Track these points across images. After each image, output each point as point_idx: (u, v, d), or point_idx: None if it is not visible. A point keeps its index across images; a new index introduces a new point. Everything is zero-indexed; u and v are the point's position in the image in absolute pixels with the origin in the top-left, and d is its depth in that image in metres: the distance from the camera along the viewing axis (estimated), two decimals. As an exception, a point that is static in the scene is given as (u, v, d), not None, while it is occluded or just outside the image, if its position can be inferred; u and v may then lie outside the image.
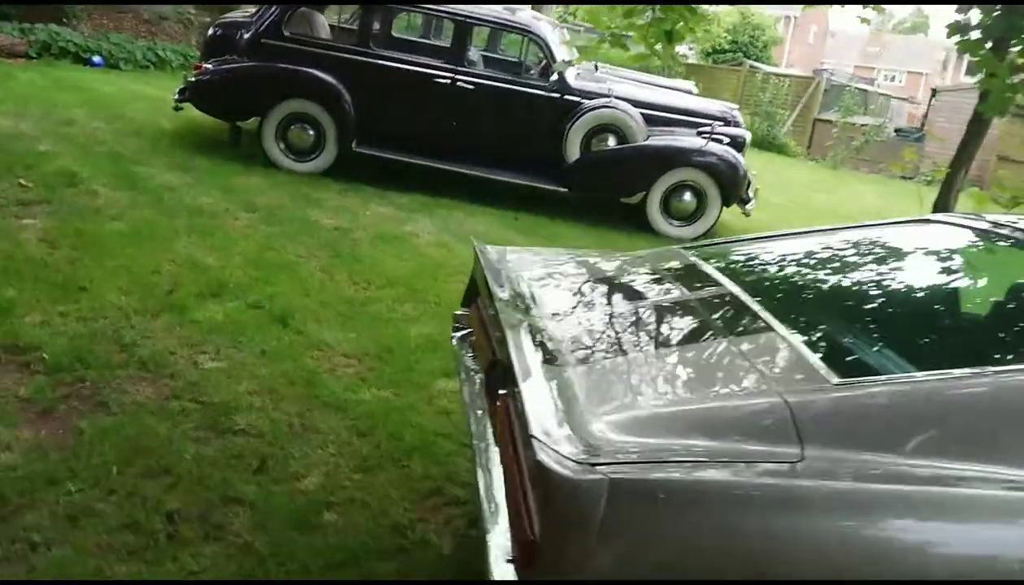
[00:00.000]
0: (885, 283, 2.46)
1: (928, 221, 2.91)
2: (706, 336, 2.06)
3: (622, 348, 2.11)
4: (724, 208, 8.35)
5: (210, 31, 8.70)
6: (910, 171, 18.70)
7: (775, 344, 1.96)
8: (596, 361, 2.03)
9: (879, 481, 1.59)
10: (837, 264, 2.68)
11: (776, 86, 19.37)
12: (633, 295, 2.44)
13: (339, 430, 3.44)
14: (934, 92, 19.75)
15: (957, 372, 1.77)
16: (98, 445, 3.05)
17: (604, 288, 2.63)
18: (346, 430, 3.45)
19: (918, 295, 2.41)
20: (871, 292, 2.40)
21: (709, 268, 2.46)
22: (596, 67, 8.96)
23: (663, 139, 8.29)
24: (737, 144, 8.49)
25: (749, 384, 1.82)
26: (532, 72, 8.61)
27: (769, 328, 2.03)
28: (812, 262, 2.69)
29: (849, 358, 1.92)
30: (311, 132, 7.90)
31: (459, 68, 8.06)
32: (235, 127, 8.08)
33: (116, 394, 3.44)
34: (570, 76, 8.20)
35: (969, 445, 1.66)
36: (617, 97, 8.20)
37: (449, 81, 7.96)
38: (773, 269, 2.71)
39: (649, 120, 8.27)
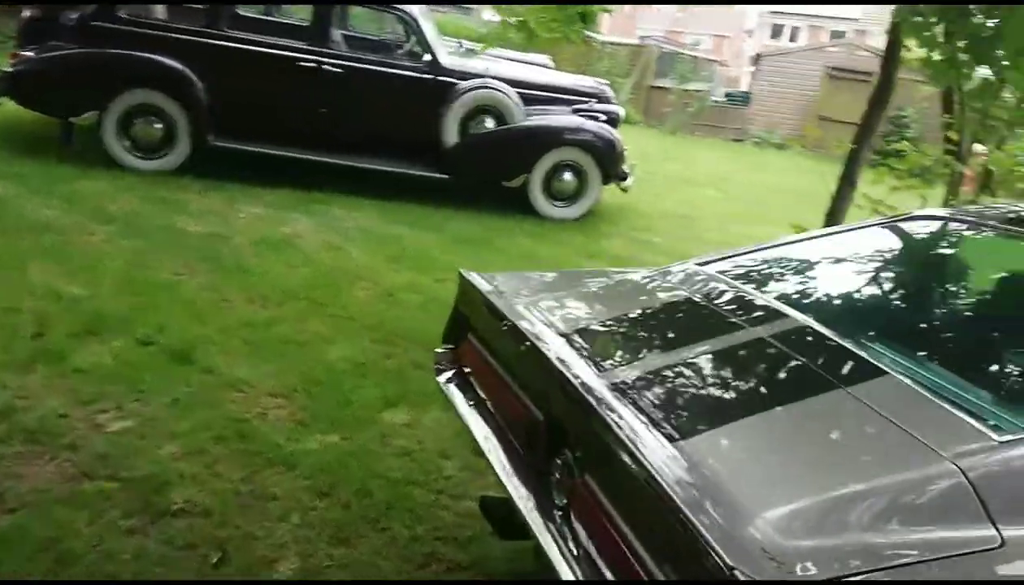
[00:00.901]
0: (961, 299, 2.31)
1: (927, 217, 2.80)
2: (812, 386, 1.81)
3: (726, 408, 1.82)
4: (604, 186, 8.26)
5: (26, 12, 7.51)
6: (740, 134, 19.67)
7: (897, 390, 1.74)
8: (710, 429, 1.73)
9: None
10: (891, 277, 2.52)
11: (612, 55, 19.66)
12: (691, 333, 2.15)
13: (297, 493, 2.95)
14: (758, 57, 20.76)
15: None
16: (5, 561, 2.42)
17: (652, 324, 2.33)
18: (305, 492, 2.97)
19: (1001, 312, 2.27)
20: (958, 312, 2.25)
21: (760, 296, 2.23)
22: (460, 45, 8.57)
23: (542, 119, 8.04)
24: (612, 120, 8.40)
25: (902, 449, 1.58)
26: (402, 53, 8.08)
27: (879, 370, 1.81)
28: (861, 277, 2.53)
29: (993, 404, 1.73)
30: (159, 125, 7.01)
31: (324, 50, 7.41)
32: (67, 123, 7.04)
33: (9, 482, 2.78)
34: (443, 56, 7.76)
35: None
36: (493, 77, 7.85)
37: (314, 65, 7.30)
38: (825, 287, 2.52)
39: (524, 99, 7.99)
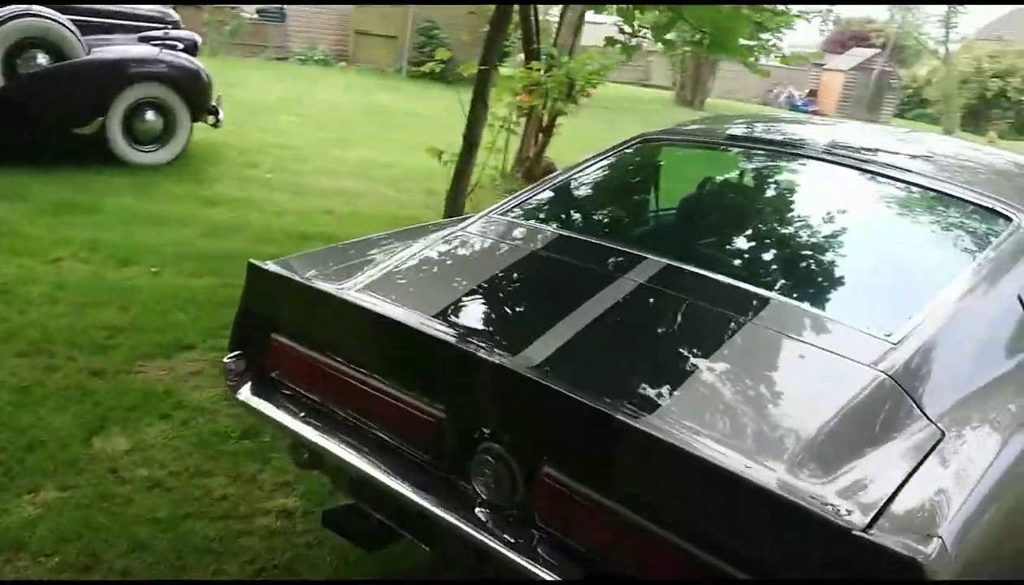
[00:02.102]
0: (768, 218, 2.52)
1: (655, 140, 3.02)
2: (725, 327, 1.87)
3: (670, 363, 1.80)
4: (194, 124, 7.42)
5: None
6: (282, 52, 19.05)
7: (793, 314, 1.90)
8: (673, 387, 1.70)
9: None
10: (705, 199, 2.64)
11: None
12: (572, 292, 2.04)
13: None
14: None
15: None
16: None
17: (520, 288, 2.16)
18: (57, 574, 2.29)
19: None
20: (779, 232, 2.45)
21: (597, 239, 2.22)
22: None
23: (110, 51, 6.86)
24: (189, 48, 7.51)
25: (835, 366, 1.75)
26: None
27: (764, 298, 1.95)
28: (665, 206, 2.62)
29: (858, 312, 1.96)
30: None
31: None
32: None
33: None
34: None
35: None
36: (37, 3, 6.43)
37: None
38: (653, 222, 2.56)
39: (79, 29, 6.71)
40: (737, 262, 2.18)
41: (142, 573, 2.35)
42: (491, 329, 1.93)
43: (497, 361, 1.71)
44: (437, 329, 1.85)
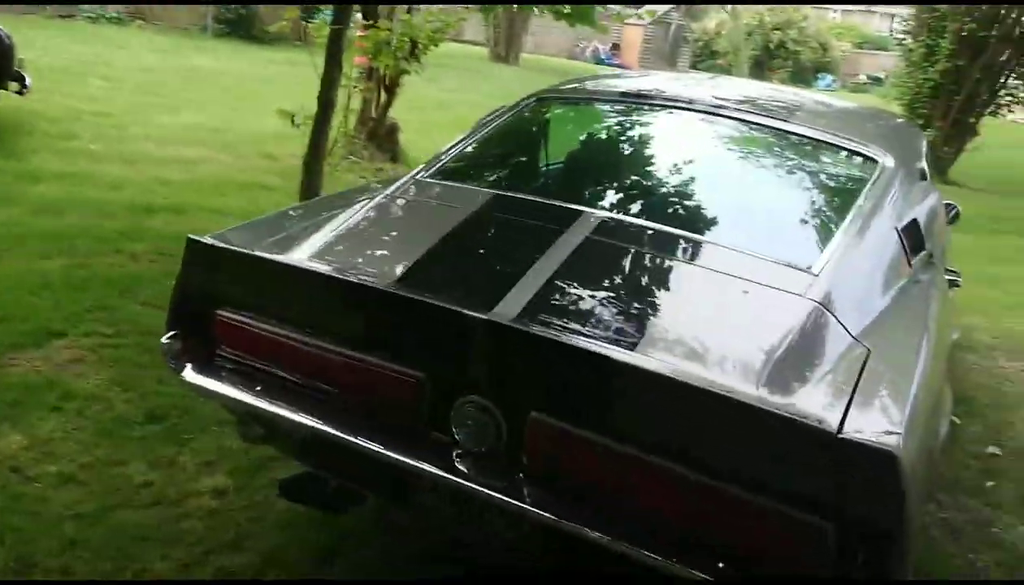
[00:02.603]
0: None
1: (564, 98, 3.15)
2: (668, 265, 2.04)
3: (637, 304, 1.95)
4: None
5: None
6: (69, 9, 17.41)
7: (728, 254, 2.11)
8: (646, 324, 1.85)
9: None
10: (629, 152, 2.76)
11: None
12: (525, 247, 2.12)
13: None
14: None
15: None
16: None
17: (476, 247, 2.23)
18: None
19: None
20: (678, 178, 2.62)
21: (529, 195, 2.32)
22: None
23: None
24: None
25: (772, 298, 1.98)
26: None
27: (697, 241, 2.15)
28: (587, 159, 2.73)
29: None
30: None
31: None
32: None
33: None
34: None
35: None
36: None
37: None
38: (581, 174, 2.64)
39: None
40: (667, 211, 2.36)
41: (84, 570, 2.24)
42: (461, 288, 1.99)
43: (485, 317, 1.78)
44: (412, 291, 1.89)
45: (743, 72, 27.73)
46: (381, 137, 7.89)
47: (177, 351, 2.18)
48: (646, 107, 2.89)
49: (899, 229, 2.41)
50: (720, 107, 2.80)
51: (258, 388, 2.10)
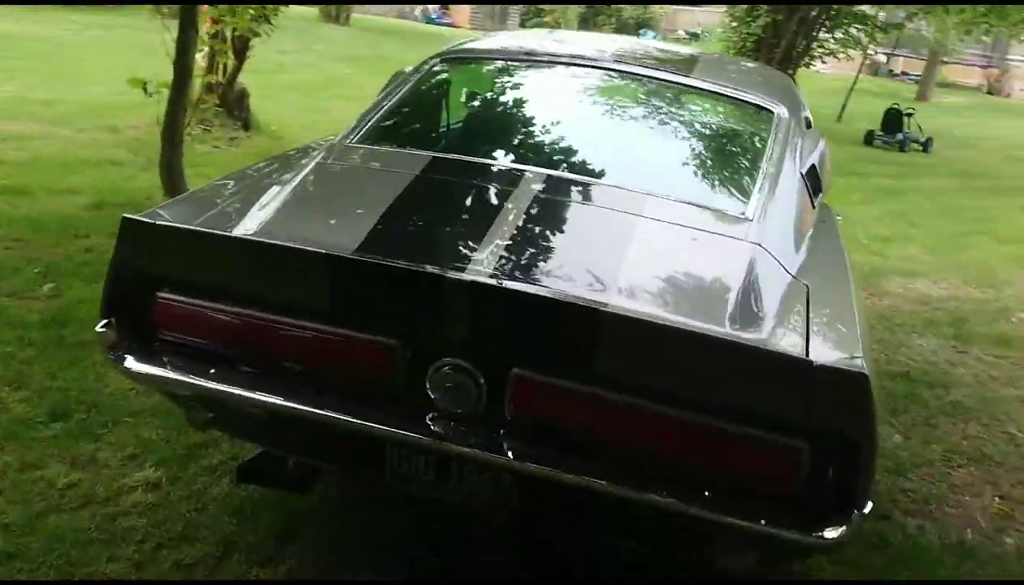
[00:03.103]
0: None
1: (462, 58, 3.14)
2: (623, 218, 2.13)
3: (600, 250, 2.04)
4: None
5: None
6: None
7: (668, 204, 2.23)
8: (613, 271, 1.94)
9: None
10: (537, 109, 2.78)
11: None
12: (479, 207, 2.13)
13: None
14: None
15: None
16: None
17: (430, 208, 2.22)
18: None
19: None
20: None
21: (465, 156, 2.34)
22: None
23: None
24: None
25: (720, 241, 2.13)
26: None
27: (639, 194, 2.25)
28: (489, 117, 2.77)
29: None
30: None
31: None
32: None
33: None
34: None
35: None
36: None
37: None
38: (497, 135, 2.63)
39: None
40: (605, 166, 2.44)
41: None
42: (425, 252, 1.98)
43: (466, 278, 1.80)
44: (379, 258, 1.87)
45: (571, 25, 28.30)
46: (231, 104, 7.51)
47: (114, 340, 2.05)
48: (556, 66, 2.95)
49: (803, 174, 2.62)
50: (625, 64, 2.91)
51: (211, 370, 2.01)
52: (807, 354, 1.76)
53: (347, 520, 2.53)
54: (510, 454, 1.85)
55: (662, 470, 1.79)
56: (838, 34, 13.31)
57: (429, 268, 1.84)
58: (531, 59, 3.00)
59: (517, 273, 1.91)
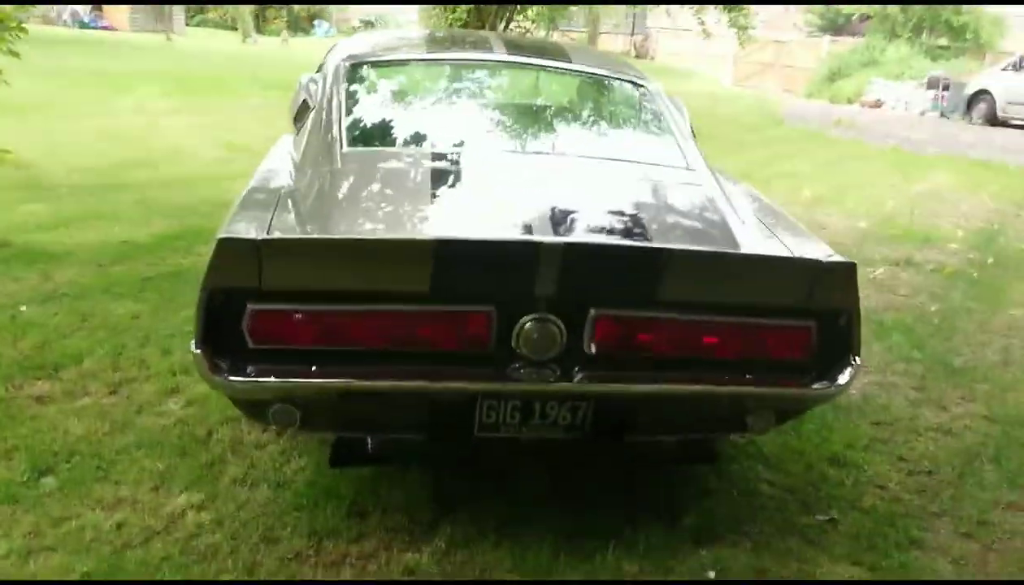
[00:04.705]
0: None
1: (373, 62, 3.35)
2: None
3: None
4: None
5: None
6: None
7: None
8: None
9: None
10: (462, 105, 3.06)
11: None
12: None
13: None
14: None
15: None
16: None
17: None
18: None
19: None
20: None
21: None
22: None
23: None
24: None
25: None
26: None
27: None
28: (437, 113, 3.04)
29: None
30: None
31: None
32: None
33: None
34: None
35: None
36: None
37: None
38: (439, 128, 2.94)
39: None
40: (578, 143, 2.89)
41: None
42: (497, 226, 2.30)
43: (556, 241, 2.17)
44: (476, 237, 2.16)
45: (249, 25, 27.39)
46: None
47: (214, 358, 2.13)
48: (472, 64, 3.33)
49: (693, 131, 3.28)
50: (522, 57, 3.36)
51: (313, 369, 2.18)
52: (800, 257, 2.39)
53: (400, 487, 2.71)
54: (594, 381, 2.27)
55: (714, 368, 2.33)
56: (530, 13, 14.59)
57: (516, 238, 2.19)
58: (448, 59, 3.34)
59: (577, 231, 2.32)
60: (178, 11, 28.84)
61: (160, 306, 4.06)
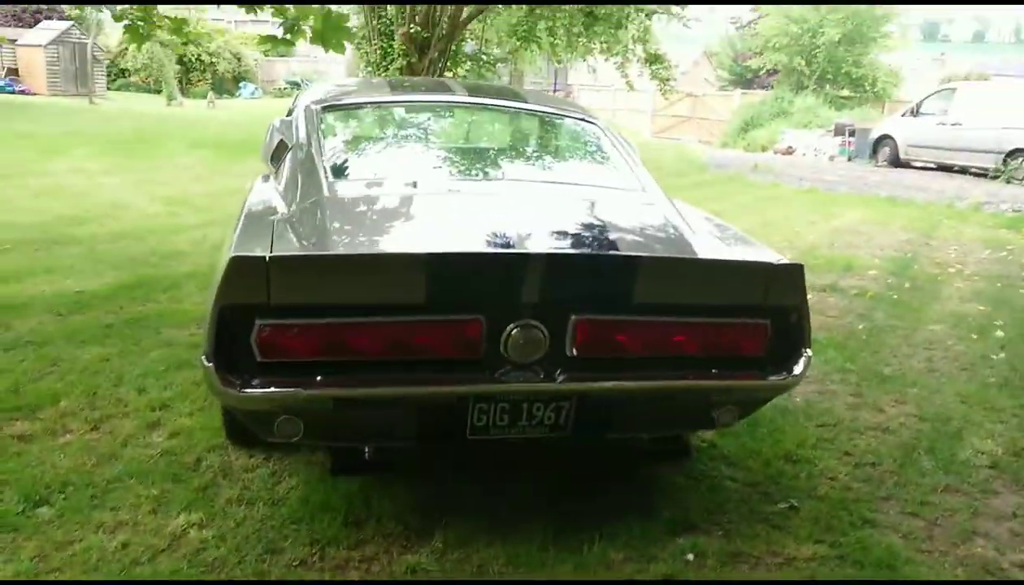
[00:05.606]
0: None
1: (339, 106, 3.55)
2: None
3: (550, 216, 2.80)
4: None
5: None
6: None
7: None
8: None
9: None
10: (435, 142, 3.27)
11: None
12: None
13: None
14: None
15: None
16: None
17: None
18: None
19: None
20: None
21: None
22: None
23: None
24: None
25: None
26: None
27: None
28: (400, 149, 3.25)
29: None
30: None
31: None
32: None
33: None
34: None
35: None
36: None
37: None
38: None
39: None
40: (544, 172, 3.14)
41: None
42: (487, 244, 2.51)
43: (537, 252, 2.39)
44: (467, 251, 2.37)
45: (174, 88, 27.28)
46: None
47: (225, 373, 2.26)
48: (437, 105, 3.58)
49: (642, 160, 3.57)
50: (483, 98, 3.62)
51: (317, 378, 2.33)
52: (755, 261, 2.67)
53: (390, 498, 2.84)
54: (577, 381, 2.48)
55: (683, 365, 2.56)
56: (460, 71, 15.04)
57: (505, 251, 2.41)
58: (414, 101, 3.58)
59: (554, 246, 2.55)
60: (99, 75, 28.52)
61: (127, 350, 4.11)
